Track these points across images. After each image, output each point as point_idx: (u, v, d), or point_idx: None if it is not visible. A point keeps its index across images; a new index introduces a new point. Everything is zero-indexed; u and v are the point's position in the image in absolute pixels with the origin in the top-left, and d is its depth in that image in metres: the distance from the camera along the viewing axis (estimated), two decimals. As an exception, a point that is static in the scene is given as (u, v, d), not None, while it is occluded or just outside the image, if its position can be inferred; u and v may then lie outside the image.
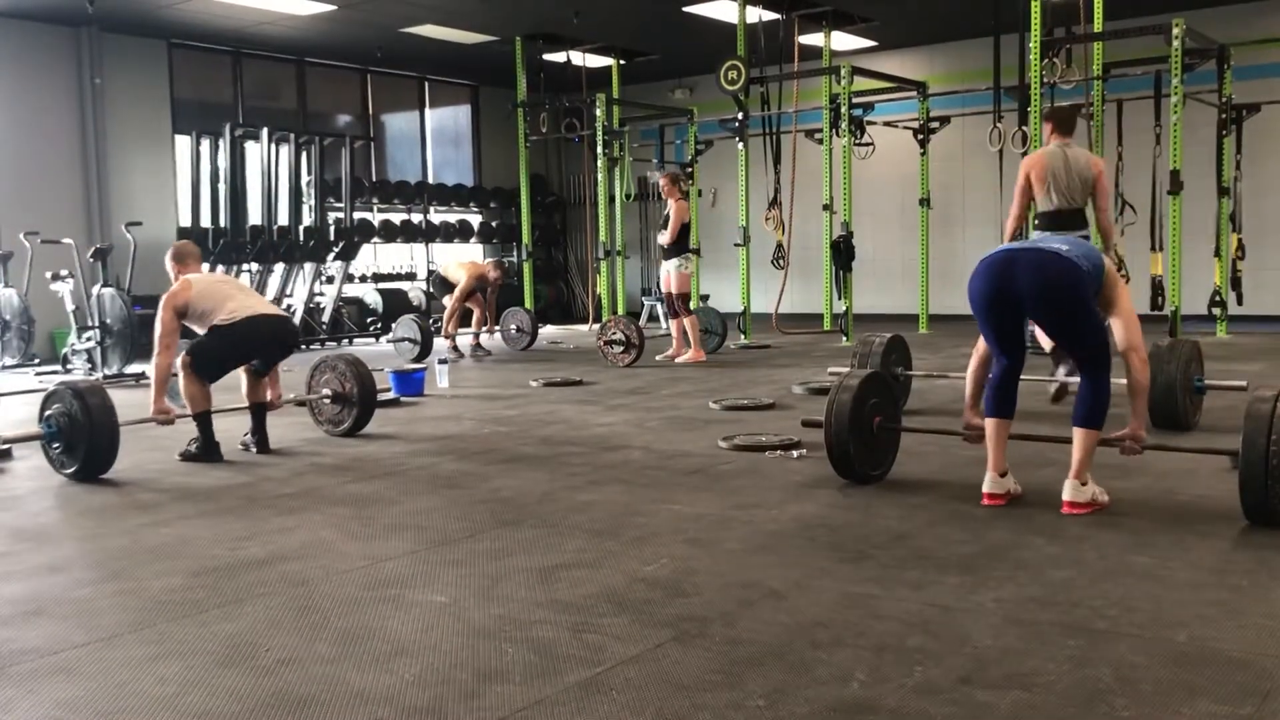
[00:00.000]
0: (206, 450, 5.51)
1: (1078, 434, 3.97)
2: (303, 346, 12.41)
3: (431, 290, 12.38)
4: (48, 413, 5.17)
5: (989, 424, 4.13)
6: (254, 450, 5.66)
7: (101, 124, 12.24)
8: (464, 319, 11.14)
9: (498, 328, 11.47)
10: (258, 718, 2.33)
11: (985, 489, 4.09)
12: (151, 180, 12.82)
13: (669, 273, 9.65)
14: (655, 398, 7.38)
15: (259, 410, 5.73)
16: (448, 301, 10.90)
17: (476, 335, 11.04)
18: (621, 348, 9.43)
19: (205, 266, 5.70)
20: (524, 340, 11.70)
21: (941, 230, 13.81)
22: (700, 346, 9.75)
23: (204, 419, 5.51)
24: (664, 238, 9.69)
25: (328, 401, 6.23)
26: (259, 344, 5.64)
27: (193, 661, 2.67)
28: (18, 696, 2.48)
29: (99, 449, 5.02)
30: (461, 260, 11.44)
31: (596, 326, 13.69)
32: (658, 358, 9.71)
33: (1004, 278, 3.96)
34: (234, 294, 5.67)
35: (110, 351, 9.10)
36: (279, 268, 12.28)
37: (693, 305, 11.45)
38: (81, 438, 5.01)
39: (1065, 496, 3.94)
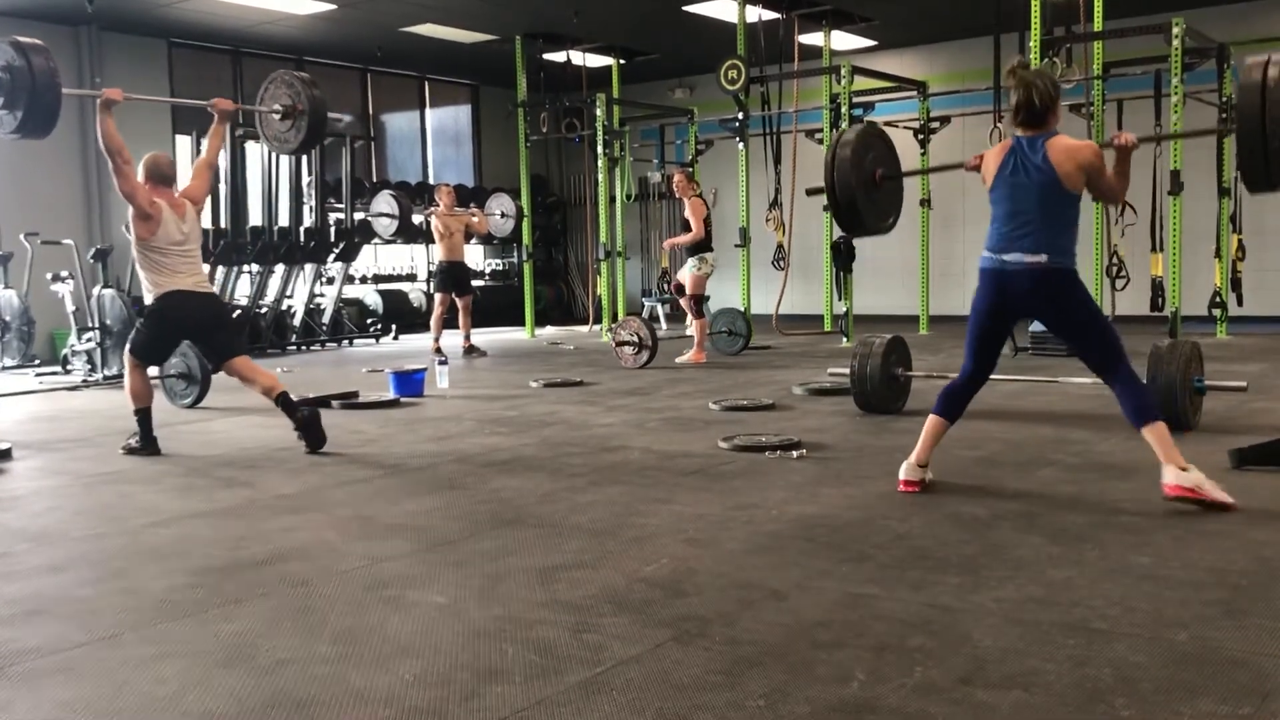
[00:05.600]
0: (145, 443, 5.65)
1: (1147, 432, 3.99)
2: (302, 348, 12.43)
3: (430, 290, 12.39)
4: None
5: (930, 419, 4.29)
6: (304, 443, 5.56)
7: (102, 124, 12.23)
8: (448, 323, 11.16)
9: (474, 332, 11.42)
10: (258, 718, 2.33)
11: (903, 475, 4.29)
12: (152, 180, 12.81)
13: (685, 271, 9.66)
14: (655, 398, 7.38)
15: (282, 400, 5.63)
16: (438, 301, 10.90)
17: (466, 336, 11.02)
18: (634, 348, 9.39)
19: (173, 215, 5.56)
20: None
21: (941, 231, 13.80)
22: (703, 348, 9.73)
23: (144, 414, 5.67)
24: (688, 237, 9.58)
25: (277, 117, 6.12)
26: (187, 322, 5.70)
27: (193, 661, 2.67)
28: (18, 696, 2.48)
29: (40, 108, 4.94)
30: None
31: (598, 327, 13.71)
32: (677, 359, 9.67)
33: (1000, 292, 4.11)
34: (178, 266, 5.61)
35: (110, 352, 9.11)
36: (279, 269, 12.28)
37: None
38: (23, 94, 4.91)
39: (1165, 480, 3.93)
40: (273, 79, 6.31)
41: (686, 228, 9.63)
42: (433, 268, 15.77)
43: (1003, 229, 4.09)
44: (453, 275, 10.85)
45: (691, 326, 9.79)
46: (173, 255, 5.58)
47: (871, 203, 4.43)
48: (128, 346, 5.76)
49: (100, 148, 5.45)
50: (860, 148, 4.38)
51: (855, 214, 4.40)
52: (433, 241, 11.16)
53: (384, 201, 12.12)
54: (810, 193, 4.83)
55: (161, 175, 5.67)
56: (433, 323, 10.98)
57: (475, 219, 11.28)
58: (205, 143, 6.01)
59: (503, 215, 12.39)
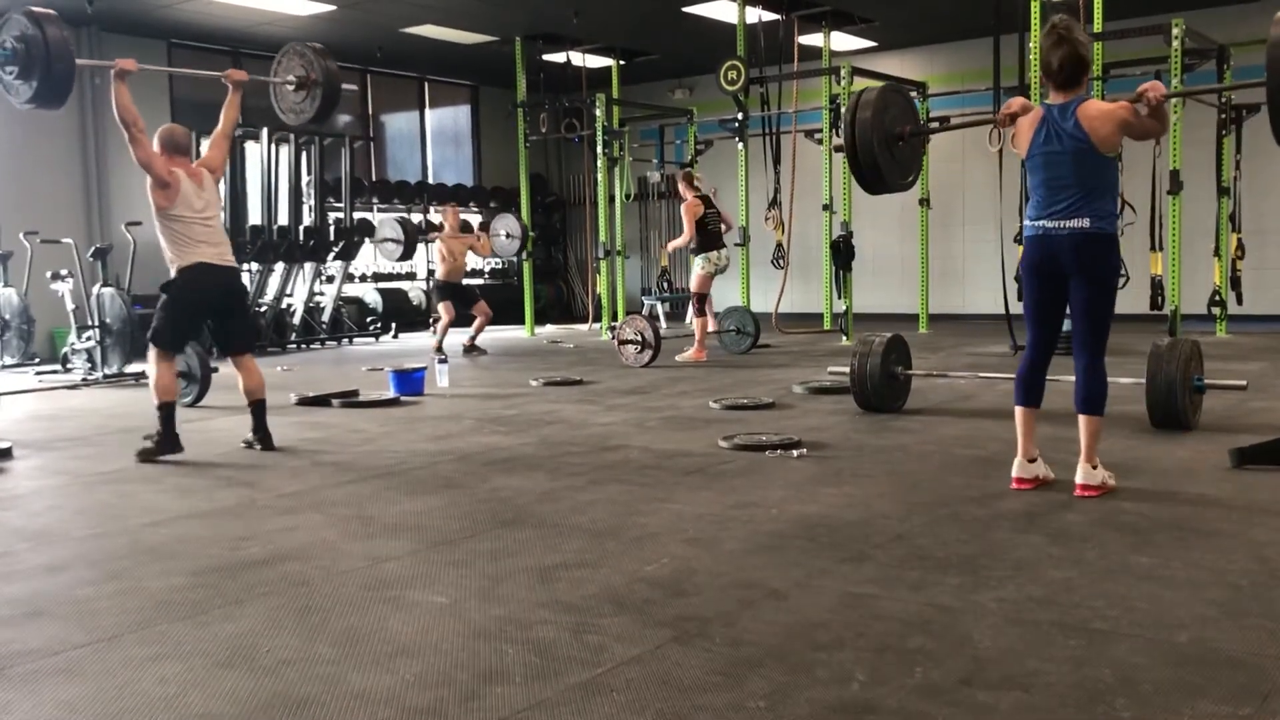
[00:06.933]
0: (165, 443, 5.47)
1: (1083, 420, 4.13)
2: (302, 346, 12.42)
3: (431, 291, 12.32)
4: (2, 36, 5.12)
5: (1017, 412, 4.29)
6: (258, 448, 5.65)
7: (101, 124, 12.23)
8: (462, 323, 11.12)
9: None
10: (258, 718, 2.33)
11: (1015, 473, 4.27)
12: (151, 180, 12.81)
13: (692, 271, 9.66)
14: (655, 397, 7.38)
15: (257, 408, 5.72)
16: (443, 310, 10.84)
17: (472, 336, 10.97)
18: (637, 347, 9.38)
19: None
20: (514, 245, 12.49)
21: (941, 230, 13.80)
22: (703, 346, 9.67)
23: (167, 409, 5.49)
24: (679, 240, 9.63)
25: (291, 88, 6.16)
26: (208, 298, 5.62)
27: (193, 662, 2.67)
28: (18, 697, 2.48)
29: (55, 77, 4.99)
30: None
31: (597, 325, 13.71)
32: (677, 358, 9.65)
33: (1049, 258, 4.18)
34: (199, 235, 5.59)
35: (110, 351, 9.11)
36: (279, 267, 12.28)
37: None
38: (38, 63, 4.98)
39: (1078, 480, 4.13)
40: (285, 51, 6.34)
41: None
42: (431, 268, 15.76)
43: (1043, 198, 4.15)
44: (452, 290, 10.82)
45: (694, 324, 9.74)
46: (193, 224, 5.55)
47: (894, 161, 4.48)
48: (149, 335, 5.62)
49: (115, 120, 5.43)
50: (880, 107, 4.43)
51: (877, 173, 4.45)
52: (433, 241, 11.16)
53: (389, 227, 12.19)
54: (836, 149, 4.87)
55: (177, 145, 5.69)
56: (439, 328, 10.90)
57: (479, 242, 11.25)
58: (221, 114, 5.96)
59: (507, 236, 12.36)
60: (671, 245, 10.11)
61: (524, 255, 13.45)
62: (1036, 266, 4.20)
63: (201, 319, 5.74)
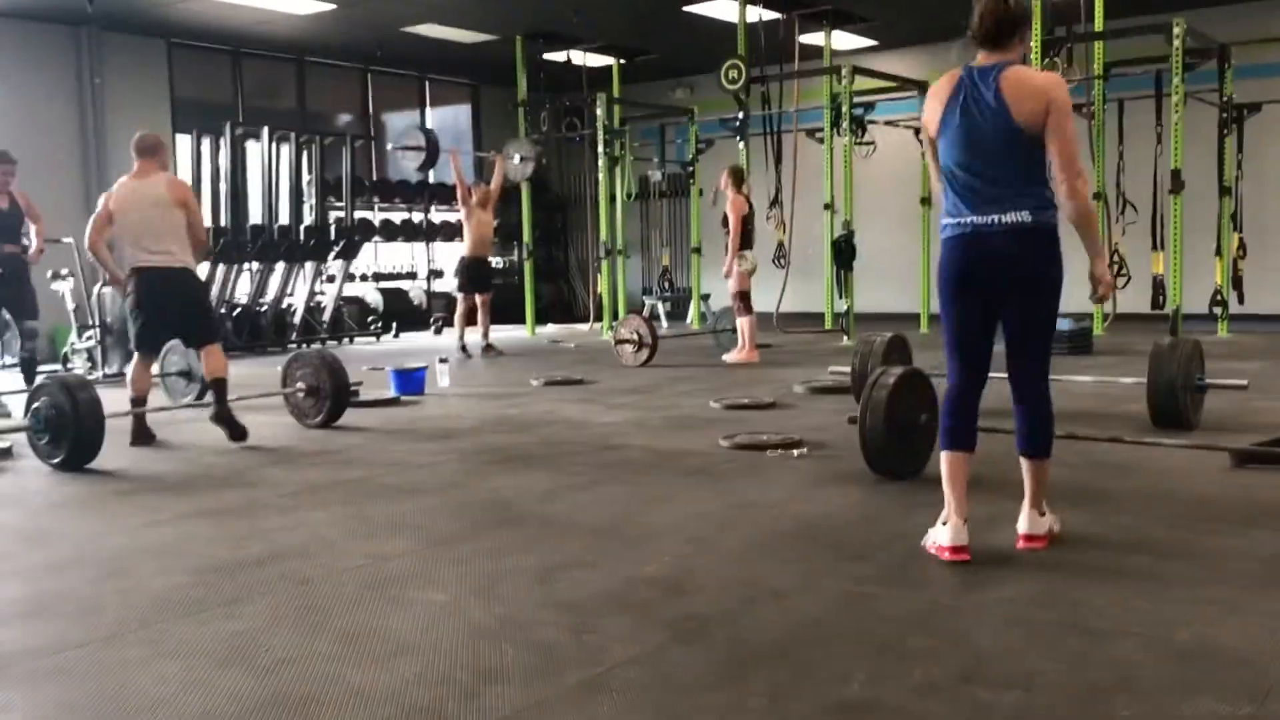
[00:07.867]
0: (136, 435, 5.86)
1: (1029, 465, 3.47)
2: (303, 345, 12.41)
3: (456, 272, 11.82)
4: (35, 405, 5.28)
5: (946, 459, 3.43)
6: (225, 432, 5.76)
7: (101, 124, 12.24)
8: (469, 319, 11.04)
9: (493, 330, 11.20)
10: (258, 717, 2.33)
11: (950, 541, 3.30)
12: (152, 179, 12.80)
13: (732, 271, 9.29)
14: (656, 397, 7.38)
15: (217, 385, 5.80)
16: (461, 301, 10.74)
17: (485, 334, 10.85)
18: (634, 346, 9.35)
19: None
20: None
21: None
22: (754, 347, 9.39)
23: (138, 404, 5.88)
24: (731, 241, 9.12)
25: (301, 395, 6.32)
26: (161, 301, 5.78)
27: (193, 661, 2.67)
28: (18, 696, 2.48)
29: (85, 439, 5.20)
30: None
31: (598, 325, 13.71)
32: (724, 357, 9.54)
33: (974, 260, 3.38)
34: (136, 236, 5.84)
35: (110, 350, 9.12)
36: (280, 267, 12.28)
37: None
38: (68, 430, 5.12)
39: (1021, 529, 3.43)
40: (295, 359, 6.58)
41: (726, 224, 9.24)
42: (433, 268, 15.77)
43: (964, 185, 3.32)
44: (477, 271, 10.62)
45: (740, 324, 9.39)
46: (132, 226, 5.87)
47: (903, 448, 4.50)
48: (131, 344, 6.08)
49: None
50: (894, 393, 4.44)
51: (884, 460, 4.48)
52: (433, 240, 11.15)
53: (410, 136, 11.71)
54: (851, 420, 4.81)
55: (144, 149, 5.95)
56: (456, 319, 10.82)
57: (495, 181, 11.04)
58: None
59: (521, 159, 12.30)
60: (728, 262, 9.25)
61: (524, 242, 13.36)
62: (963, 276, 3.36)
63: (165, 318, 5.88)
